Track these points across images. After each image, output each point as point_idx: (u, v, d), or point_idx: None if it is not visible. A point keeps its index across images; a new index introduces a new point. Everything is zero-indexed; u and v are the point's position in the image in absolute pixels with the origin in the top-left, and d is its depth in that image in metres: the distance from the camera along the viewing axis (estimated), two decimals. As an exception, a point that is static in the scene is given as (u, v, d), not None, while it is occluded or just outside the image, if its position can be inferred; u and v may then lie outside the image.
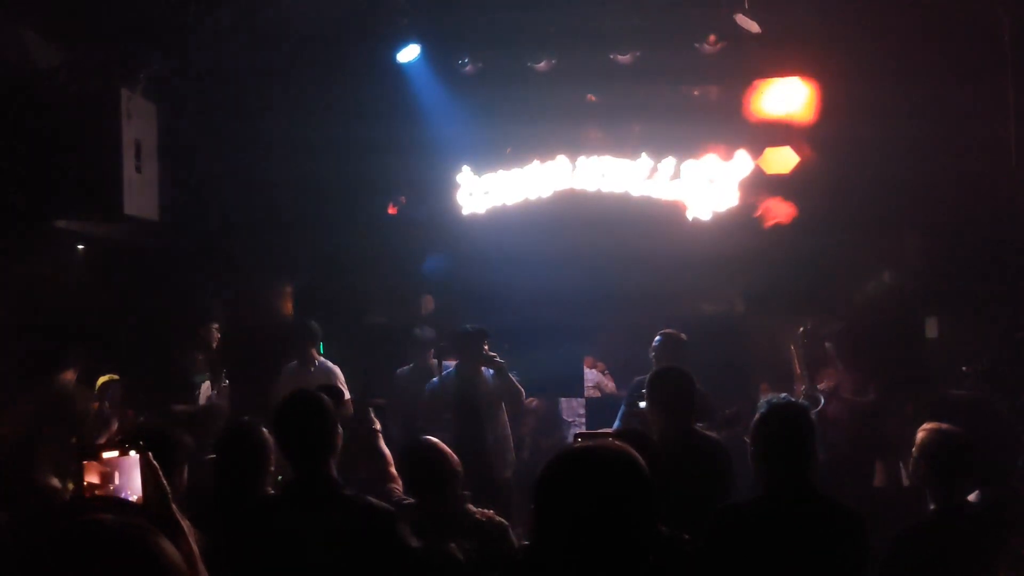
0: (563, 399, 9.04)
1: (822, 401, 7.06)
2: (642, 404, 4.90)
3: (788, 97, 8.38)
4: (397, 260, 9.06)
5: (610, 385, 9.07)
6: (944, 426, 3.96)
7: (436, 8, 7.95)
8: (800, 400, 6.96)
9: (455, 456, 3.96)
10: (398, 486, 4.27)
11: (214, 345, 7.59)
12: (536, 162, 8.76)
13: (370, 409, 4.85)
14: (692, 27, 7.89)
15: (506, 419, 7.21)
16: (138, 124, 7.22)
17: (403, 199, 9.13)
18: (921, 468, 3.88)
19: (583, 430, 6.18)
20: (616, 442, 2.06)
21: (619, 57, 8.11)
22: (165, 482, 1.64)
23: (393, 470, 4.42)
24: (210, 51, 7.28)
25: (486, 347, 7.09)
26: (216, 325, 7.64)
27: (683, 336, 6.83)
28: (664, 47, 8.05)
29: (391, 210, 9.24)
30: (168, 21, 6.80)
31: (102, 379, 7.23)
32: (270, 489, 3.82)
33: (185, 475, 3.42)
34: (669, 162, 8.54)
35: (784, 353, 7.98)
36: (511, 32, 8.03)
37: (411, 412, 7.55)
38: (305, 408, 3.35)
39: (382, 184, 8.74)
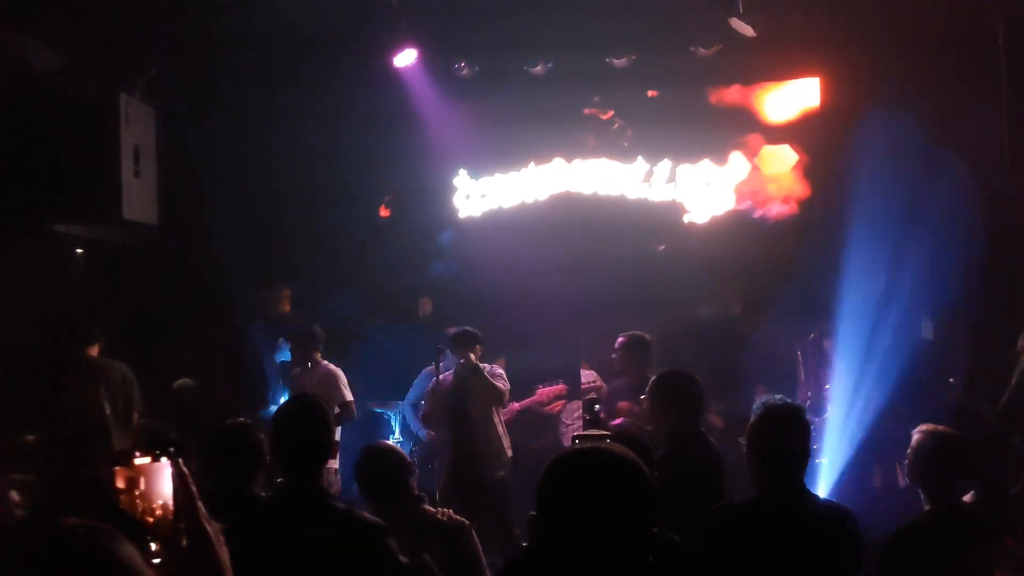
0: (559, 401, 9.02)
1: (828, 411, 7.04)
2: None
3: (784, 100, 8.42)
4: (395, 262, 9.08)
5: (605, 388, 9.09)
6: (940, 427, 3.98)
7: (433, 12, 7.97)
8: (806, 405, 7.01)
9: (407, 459, 3.92)
10: None
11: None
12: (532, 165, 8.79)
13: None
14: (687, 31, 7.92)
15: (498, 420, 7.21)
16: (137, 129, 7.24)
17: (388, 197, 9.10)
18: (917, 468, 3.89)
19: (581, 432, 6.20)
20: (616, 444, 2.08)
21: (615, 61, 8.14)
22: (195, 489, 1.65)
23: None
24: (208, 56, 7.30)
25: (477, 348, 7.10)
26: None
27: (648, 337, 6.86)
28: (660, 51, 8.07)
29: (383, 212, 9.24)
30: (166, 27, 6.82)
31: (177, 383, 7.27)
32: (261, 492, 3.79)
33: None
34: (665, 165, 8.57)
35: (783, 356, 8.01)
36: (508, 36, 8.05)
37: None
38: (302, 417, 3.31)
39: (380, 187, 8.76)
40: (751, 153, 8.51)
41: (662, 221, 8.65)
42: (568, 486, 1.88)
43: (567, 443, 6.50)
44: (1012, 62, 6.78)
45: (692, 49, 7.97)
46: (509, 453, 7.23)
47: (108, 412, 6.62)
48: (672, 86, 8.32)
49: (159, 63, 7.40)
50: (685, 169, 8.56)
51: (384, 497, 3.91)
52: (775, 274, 8.60)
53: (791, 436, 3.45)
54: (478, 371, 6.99)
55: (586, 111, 8.77)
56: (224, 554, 1.67)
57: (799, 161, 8.44)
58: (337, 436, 5.71)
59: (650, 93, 8.54)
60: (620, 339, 6.88)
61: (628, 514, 1.84)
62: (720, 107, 8.43)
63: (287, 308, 9.42)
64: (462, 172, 8.96)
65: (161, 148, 7.55)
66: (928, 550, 3.73)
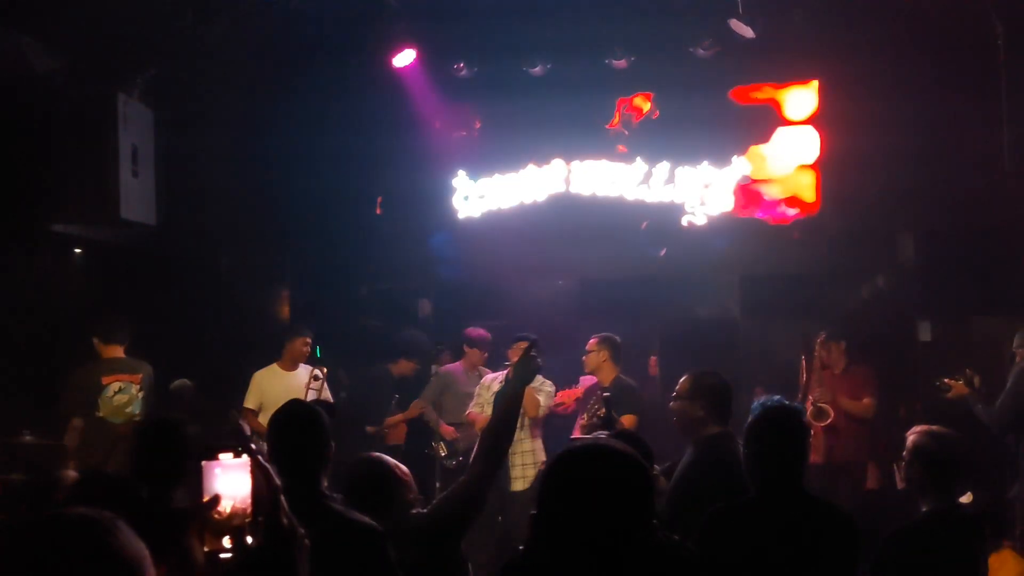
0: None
1: (831, 414, 7.02)
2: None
3: (785, 100, 8.43)
4: (394, 263, 9.08)
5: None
6: (937, 428, 3.97)
7: (432, 13, 7.97)
8: (817, 406, 6.98)
9: (400, 470, 3.88)
10: None
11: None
12: (531, 166, 8.79)
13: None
14: (687, 32, 7.92)
15: (533, 433, 7.10)
16: (135, 129, 7.24)
17: (380, 198, 9.09)
18: (917, 470, 3.88)
19: (578, 435, 6.19)
20: (614, 440, 2.08)
21: (614, 62, 8.14)
22: (279, 484, 1.64)
23: None
24: (206, 57, 7.30)
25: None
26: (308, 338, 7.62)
27: (618, 338, 6.89)
28: (659, 52, 8.07)
29: (377, 210, 9.21)
30: (165, 27, 6.82)
31: (175, 383, 7.29)
32: None
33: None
34: (664, 166, 8.57)
35: (781, 357, 8.01)
36: (506, 37, 8.05)
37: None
38: (299, 421, 3.31)
39: (378, 188, 8.76)
40: (753, 154, 8.50)
41: (661, 222, 8.64)
42: (566, 480, 1.88)
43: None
44: (1012, 62, 6.78)
45: (691, 50, 7.98)
46: (535, 468, 7.16)
47: (138, 412, 6.67)
48: (672, 87, 8.31)
49: (157, 63, 7.39)
50: (684, 171, 8.56)
51: (371, 507, 3.88)
52: (773, 275, 8.62)
53: (789, 438, 3.45)
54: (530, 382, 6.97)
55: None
56: (303, 558, 1.66)
57: (802, 163, 8.44)
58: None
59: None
60: (593, 339, 6.90)
61: (626, 507, 1.83)
62: (720, 108, 8.43)
63: (285, 309, 9.44)
64: (461, 173, 8.96)
65: (159, 148, 7.55)
66: (926, 552, 3.73)
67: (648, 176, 8.61)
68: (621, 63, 8.13)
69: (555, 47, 8.19)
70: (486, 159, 8.89)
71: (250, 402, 7.29)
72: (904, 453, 3.96)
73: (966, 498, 4.93)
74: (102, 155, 6.98)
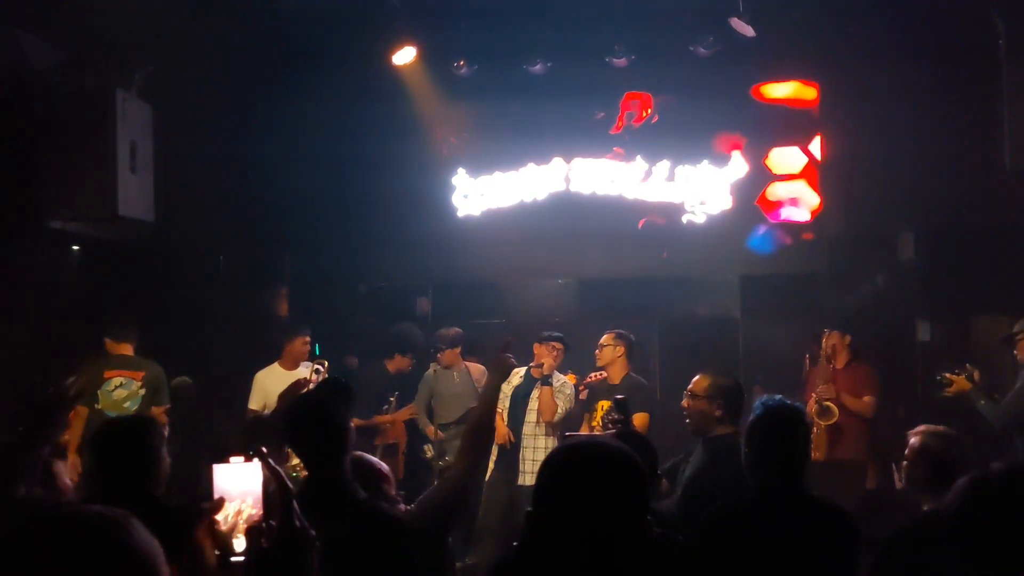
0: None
1: (836, 413, 6.98)
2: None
3: (785, 99, 8.43)
4: (393, 260, 9.07)
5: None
6: (942, 428, 3.96)
7: (432, 11, 7.96)
8: (822, 404, 6.95)
9: (379, 466, 3.88)
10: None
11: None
12: (531, 165, 8.78)
13: None
14: (687, 31, 7.91)
15: (548, 431, 7.05)
16: (133, 125, 7.22)
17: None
18: (924, 471, 3.87)
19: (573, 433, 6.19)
20: (608, 438, 2.08)
21: (614, 61, 8.12)
22: (291, 487, 1.63)
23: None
24: (205, 52, 7.28)
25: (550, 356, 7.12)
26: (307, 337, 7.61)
27: (633, 336, 6.94)
28: (659, 51, 8.06)
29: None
30: (163, 23, 6.80)
31: (174, 381, 7.31)
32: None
33: None
34: (663, 165, 8.56)
35: (781, 356, 8.01)
36: (507, 35, 8.03)
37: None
38: (316, 411, 3.30)
39: (378, 186, 8.74)
40: (754, 154, 8.49)
41: (660, 222, 8.64)
42: (560, 477, 1.87)
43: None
44: (1013, 62, 6.76)
45: (692, 49, 7.96)
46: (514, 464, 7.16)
47: (136, 408, 6.71)
48: (672, 86, 8.30)
49: (156, 60, 7.38)
50: (684, 170, 8.56)
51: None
52: (775, 275, 8.61)
53: (790, 437, 3.44)
54: (548, 382, 6.99)
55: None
56: (315, 561, 1.65)
57: (805, 163, 8.43)
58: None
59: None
60: (609, 334, 6.88)
61: (620, 504, 1.83)
62: (721, 107, 8.43)
63: (284, 307, 9.43)
64: (461, 171, 8.95)
65: (157, 145, 7.53)
66: (927, 552, 3.71)
67: (648, 175, 8.60)
68: (621, 62, 8.12)
69: (555, 46, 8.18)
70: (486, 157, 8.88)
71: (254, 403, 7.29)
72: (907, 453, 3.94)
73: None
74: (100, 152, 6.96)
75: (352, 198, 8.80)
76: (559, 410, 6.98)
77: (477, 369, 7.82)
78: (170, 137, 7.70)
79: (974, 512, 2.44)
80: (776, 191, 8.52)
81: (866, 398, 7.10)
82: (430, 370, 7.87)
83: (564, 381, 7.12)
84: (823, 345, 7.21)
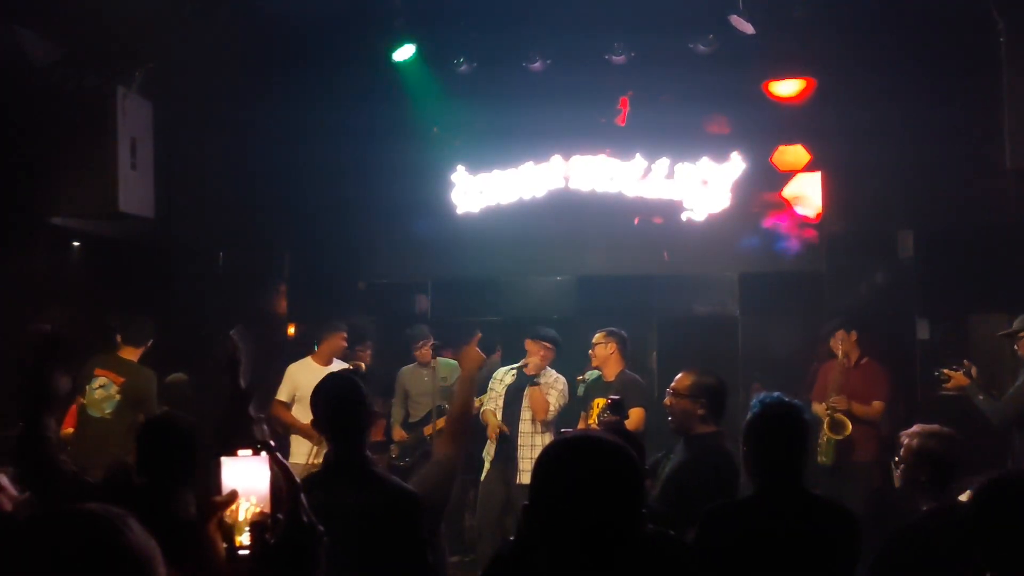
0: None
1: (849, 427, 6.92)
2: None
3: (785, 97, 8.43)
4: (392, 258, 9.08)
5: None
6: (940, 428, 3.95)
7: (432, 8, 7.95)
8: (834, 417, 6.92)
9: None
10: None
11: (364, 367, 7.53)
12: (530, 162, 8.78)
13: None
14: (686, 29, 7.90)
15: (541, 428, 7.09)
16: (133, 121, 7.23)
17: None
18: (924, 471, 3.86)
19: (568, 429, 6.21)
20: (605, 432, 2.08)
21: (613, 58, 8.12)
22: (298, 481, 1.64)
23: None
24: (205, 49, 7.28)
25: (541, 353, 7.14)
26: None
27: (625, 333, 6.94)
28: (658, 49, 8.06)
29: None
30: (164, 19, 6.80)
31: (170, 377, 7.31)
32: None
33: None
34: (663, 162, 8.56)
35: (780, 355, 8.01)
36: (506, 32, 8.03)
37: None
38: (341, 389, 3.53)
39: (377, 183, 8.75)
40: (754, 150, 8.49)
41: (659, 219, 8.64)
42: (555, 471, 1.88)
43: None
44: (1013, 61, 6.76)
45: (691, 46, 7.96)
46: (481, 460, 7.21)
47: (110, 412, 6.71)
48: (671, 83, 8.30)
49: (156, 56, 7.38)
50: (684, 167, 8.55)
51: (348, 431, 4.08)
52: (774, 273, 8.62)
53: (788, 434, 3.44)
54: (535, 382, 7.02)
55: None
56: (322, 555, 1.65)
57: (806, 161, 8.44)
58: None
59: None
60: (600, 333, 6.91)
61: (615, 499, 1.83)
62: (720, 105, 8.43)
63: (283, 303, 9.44)
64: (460, 168, 8.95)
65: (158, 142, 7.54)
66: (927, 551, 3.72)
67: (647, 172, 8.59)
68: (620, 60, 8.11)
69: (555, 44, 8.18)
70: (485, 155, 8.88)
71: (283, 394, 7.31)
72: (903, 453, 3.94)
73: (965, 496, 4.92)
74: (100, 149, 6.97)
75: (351, 195, 8.80)
76: (551, 407, 7.02)
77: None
78: (170, 134, 7.70)
79: (992, 512, 2.46)
80: (781, 188, 8.52)
81: (876, 403, 7.06)
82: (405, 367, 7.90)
83: (556, 377, 7.15)
84: (840, 347, 7.17)
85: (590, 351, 6.93)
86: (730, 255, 8.67)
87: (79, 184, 7.03)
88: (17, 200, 6.93)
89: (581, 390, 7.22)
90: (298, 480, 1.63)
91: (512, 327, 8.80)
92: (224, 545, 1.58)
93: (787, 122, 8.41)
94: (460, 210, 8.95)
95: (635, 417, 6.29)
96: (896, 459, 3.98)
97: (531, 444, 7.01)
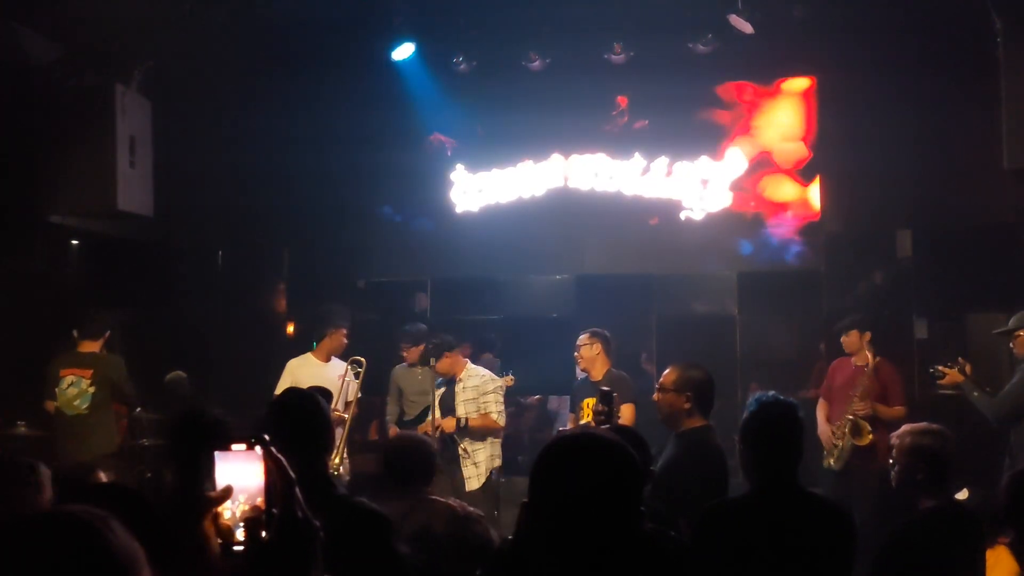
0: (554, 397, 9.04)
1: (870, 434, 6.73)
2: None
3: (784, 97, 8.44)
4: (392, 257, 9.08)
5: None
6: (933, 426, 3.97)
7: (431, 6, 7.96)
8: (857, 422, 6.85)
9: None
10: None
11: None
12: (529, 161, 8.78)
13: None
14: (686, 27, 7.91)
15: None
16: (132, 120, 7.23)
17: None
18: (921, 470, 3.87)
19: (567, 427, 6.21)
20: (604, 430, 2.08)
21: (612, 57, 8.13)
22: (293, 477, 1.62)
23: None
24: (204, 47, 7.28)
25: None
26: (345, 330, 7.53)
27: (607, 332, 6.92)
28: (657, 48, 8.06)
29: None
30: (163, 17, 6.80)
31: (170, 375, 7.30)
32: None
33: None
34: (662, 161, 8.57)
35: (778, 354, 8.01)
36: (505, 31, 8.04)
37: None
38: (298, 406, 3.33)
39: (376, 181, 8.75)
40: (753, 149, 8.49)
41: (658, 217, 8.64)
42: (555, 469, 1.88)
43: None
44: (1011, 60, 6.77)
45: (691, 46, 7.97)
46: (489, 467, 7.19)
47: (86, 406, 6.72)
48: (670, 82, 8.30)
49: (155, 54, 7.38)
50: (683, 165, 8.56)
51: (402, 481, 4.02)
52: (772, 272, 8.62)
53: (784, 432, 3.45)
54: (464, 426, 7.05)
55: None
56: (318, 551, 1.64)
57: (803, 158, 8.44)
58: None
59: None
60: (583, 335, 6.88)
61: (615, 496, 1.83)
62: (719, 104, 8.43)
63: (282, 302, 9.44)
64: (459, 167, 8.95)
65: (157, 140, 7.54)
66: (926, 549, 3.73)
67: (646, 171, 8.60)
68: (620, 58, 8.11)
69: (554, 42, 8.18)
70: (484, 153, 8.88)
71: (281, 390, 7.24)
72: (896, 454, 3.94)
73: (962, 494, 4.94)
74: (99, 147, 6.98)
75: (350, 194, 8.80)
76: (495, 413, 7.05)
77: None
78: (169, 132, 7.71)
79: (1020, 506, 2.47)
80: (779, 188, 8.52)
81: (897, 408, 6.85)
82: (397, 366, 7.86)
83: (481, 375, 7.14)
84: (855, 347, 7.04)
85: (575, 354, 6.89)
86: (729, 254, 8.67)
87: (78, 183, 7.03)
88: (16, 198, 6.93)
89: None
90: (293, 475, 1.62)
91: (511, 327, 8.82)
92: (218, 542, 1.57)
93: (786, 122, 8.42)
94: (459, 209, 8.95)
95: (626, 412, 6.30)
96: (891, 460, 3.99)
97: (471, 448, 7.04)
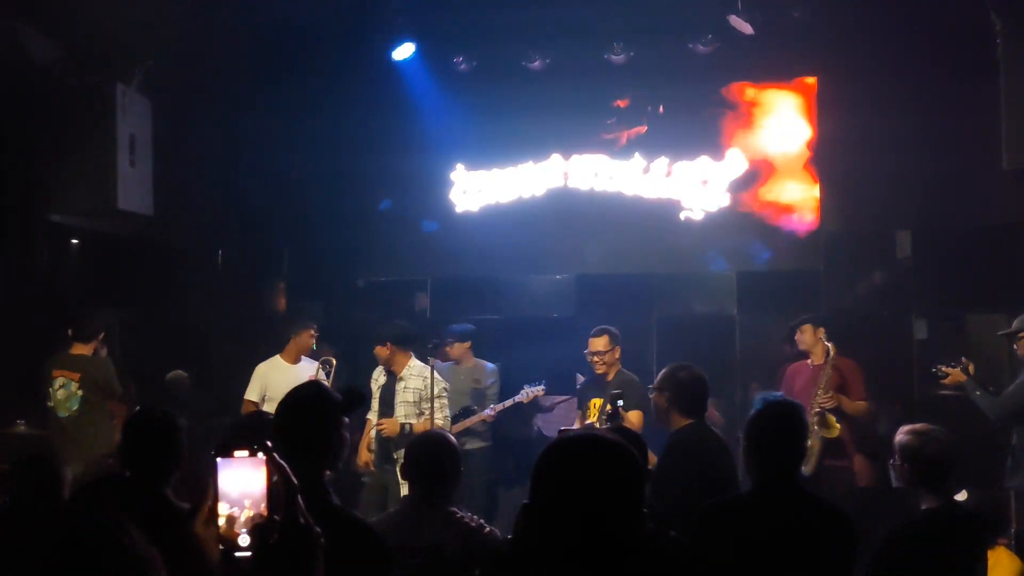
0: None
1: (837, 428, 6.55)
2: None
3: (784, 96, 8.44)
4: (391, 256, 9.08)
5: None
6: (922, 426, 3.97)
7: (431, 6, 7.96)
8: (824, 415, 6.82)
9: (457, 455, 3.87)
10: None
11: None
12: (530, 162, 8.78)
13: None
14: (686, 28, 7.92)
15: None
16: (133, 119, 7.23)
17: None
18: (906, 470, 3.88)
19: (567, 427, 6.19)
20: (608, 432, 2.08)
21: (613, 57, 8.13)
22: (296, 483, 1.62)
23: None
24: (205, 47, 7.28)
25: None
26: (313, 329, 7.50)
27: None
28: (658, 48, 8.07)
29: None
30: (163, 17, 6.80)
31: (170, 375, 7.30)
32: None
33: None
34: (662, 162, 8.57)
35: (778, 354, 8.02)
36: (506, 31, 8.04)
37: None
38: (302, 409, 3.03)
39: (376, 181, 8.75)
40: (753, 149, 8.50)
41: (658, 218, 8.65)
42: (556, 470, 1.87)
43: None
44: (1010, 60, 6.78)
45: (691, 46, 7.97)
46: None
47: (76, 408, 6.73)
48: (670, 83, 8.31)
49: (155, 53, 7.38)
50: (682, 165, 8.56)
51: (423, 480, 3.81)
52: (772, 272, 8.63)
53: (788, 433, 3.46)
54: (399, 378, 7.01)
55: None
56: (320, 558, 1.64)
57: (804, 158, 8.45)
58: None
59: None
60: (604, 336, 6.71)
61: (616, 498, 1.83)
62: (719, 104, 8.44)
63: (282, 301, 9.44)
64: (459, 167, 8.95)
65: (157, 139, 7.54)
66: (926, 549, 3.73)
67: (646, 171, 8.60)
68: (620, 58, 8.12)
69: (554, 42, 8.19)
70: (485, 153, 8.88)
71: (252, 394, 7.22)
72: (897, 454, 3.96)
73: (961, 495, 4.94)
74: (100, 145, 6.98)
75: (350, 193, 8.81)
76: (439, 422, 6.76)
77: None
78: (169, 132, 7.70)
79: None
80: (779, 188, 8.53)
81: (860, 403, 6.70)
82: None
83: (423, 381, 6.92)
84: (807, 342, 6.94)
85: (596, 358, 6.67)
86: (728, 254, 8.67)
87: (78, 181, 7.03)
88: (16, 197, 6.93)
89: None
90: (296, 482, 1.62)
91: (511, 326, 8.82)
92: (220, 548, 1.57)
93: (786, 122, 8.42)
94: (459, 208, 8.96)
95: (634, 419, 6.16)
96: (891, 461, 4.00)
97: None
